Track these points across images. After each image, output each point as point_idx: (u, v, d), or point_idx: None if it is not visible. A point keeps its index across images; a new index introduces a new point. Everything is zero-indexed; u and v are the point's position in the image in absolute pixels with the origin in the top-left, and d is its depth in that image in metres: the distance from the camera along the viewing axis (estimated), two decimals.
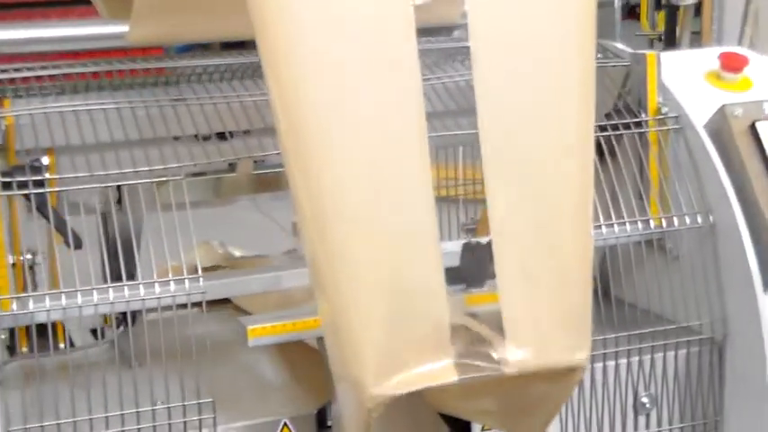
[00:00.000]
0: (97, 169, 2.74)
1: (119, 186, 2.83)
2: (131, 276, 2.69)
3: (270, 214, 4.17)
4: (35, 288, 2.73)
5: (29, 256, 2.72)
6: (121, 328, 2.90)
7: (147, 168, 2.70)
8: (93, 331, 3.23)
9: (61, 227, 2.72)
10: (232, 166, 3.11)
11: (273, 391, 2.88)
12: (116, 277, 2.72)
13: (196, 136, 2.94)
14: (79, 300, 2.62)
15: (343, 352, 2.24)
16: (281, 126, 2.21)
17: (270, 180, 3.28)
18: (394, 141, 2.18)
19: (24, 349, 2.83)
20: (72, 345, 3.04)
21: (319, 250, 2.21)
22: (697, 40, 7.31)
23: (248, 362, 2.87)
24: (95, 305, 2.63)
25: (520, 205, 2.27)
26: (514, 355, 2.24)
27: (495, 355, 2.24)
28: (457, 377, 2.21)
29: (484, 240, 2.55)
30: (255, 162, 3.17)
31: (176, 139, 2.93)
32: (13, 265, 2.68)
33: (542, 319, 2.27)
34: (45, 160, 2.68)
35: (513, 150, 2.27)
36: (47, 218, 2.65)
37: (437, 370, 2.23)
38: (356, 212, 2.18)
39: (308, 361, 2.77)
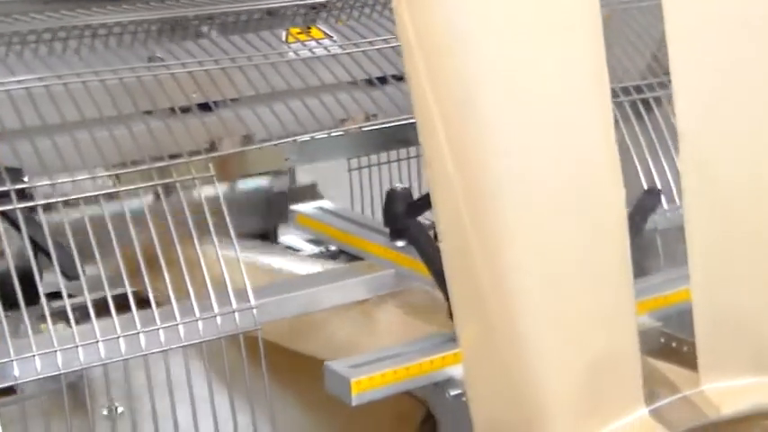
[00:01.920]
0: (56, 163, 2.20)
1: None
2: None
3: None
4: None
5: None
6: None
7: None
8: None
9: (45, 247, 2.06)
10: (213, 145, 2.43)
11: None
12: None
13: (172, 108, 2.42)
14: (102, 352, 1.98)
15: (521, 417, 1.88)
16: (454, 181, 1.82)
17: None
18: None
19: None
20: None
21: (501, 303, 1.86)
22: None
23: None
24: (124, 358, 2.00)
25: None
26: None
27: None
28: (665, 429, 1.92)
29: None
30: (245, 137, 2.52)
31: (148, 113, 2.39)
32: None
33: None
34: None
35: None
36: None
37: (635, 426, 1.91)
38: (551, 280, 1.86)
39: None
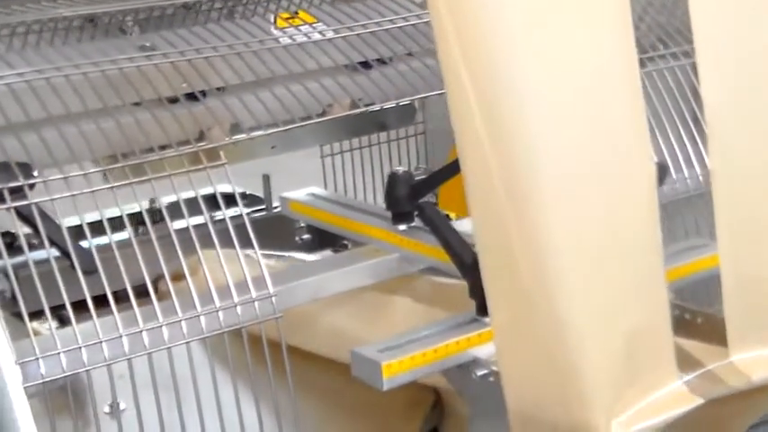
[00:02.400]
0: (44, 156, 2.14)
1: None
2: None
3: None
4: None
5: None
6: None
7: None
8: None
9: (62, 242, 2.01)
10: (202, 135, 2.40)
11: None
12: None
13: (160, 99, 2.36)
14: (126, 347, 1.93)
15: (560, 394, 1.88)
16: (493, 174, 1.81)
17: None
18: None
19: None
20: None
21: (536, 278, 1.85)
22: None
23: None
24: (148, 352, 1.95)
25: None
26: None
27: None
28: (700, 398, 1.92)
29: None
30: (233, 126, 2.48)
31: (137, 104, 2.35)
32: None
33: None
34: None
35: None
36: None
37: (671, 396, 1.92)
38: (586, 254, 1.86)
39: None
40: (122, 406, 2.09)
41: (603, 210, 1.84)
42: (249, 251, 2.18)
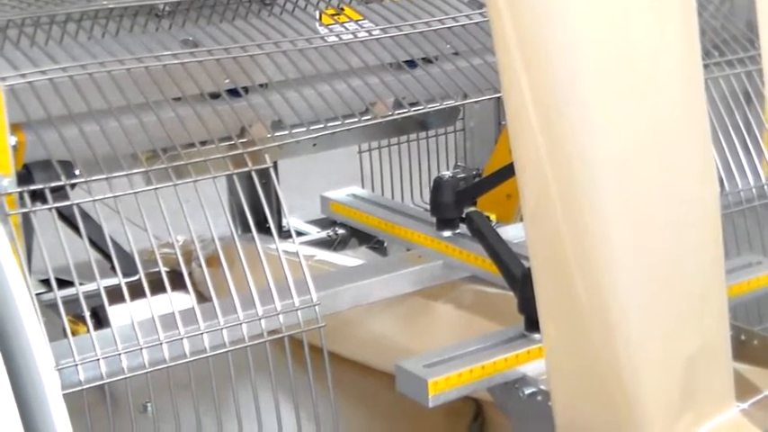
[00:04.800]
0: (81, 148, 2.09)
1: None
2: None
3: None
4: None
5: None
6: None
7: None
8: None
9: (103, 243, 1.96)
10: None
11: None
12: None
13: (202, 95, 2.32)
14: (166, 353, 1.88)
15: (614, 418, 1.82)
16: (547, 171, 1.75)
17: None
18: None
19: None
20: None
21: (598, 305, 1.79)
22: None
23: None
24: (188, 360, 1.90)
25: None
26: None
27: None
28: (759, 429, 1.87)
29: None
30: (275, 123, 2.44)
31: (178, 99, 2.31)
32: None
33: None
34: None
35: None
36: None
37: (727, 425, 1.87)
38: (646, 272, 1.80)
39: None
40: (156, 406, 2.06)
41: (665, 228, 1.78)
42: (287, 244, 2.14)
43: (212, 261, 2.07)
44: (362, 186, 3.18)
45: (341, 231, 3.10)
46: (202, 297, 2.07)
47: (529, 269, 1.92)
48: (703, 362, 1.81)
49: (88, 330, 1.93)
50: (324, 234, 3.17)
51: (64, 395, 1.84)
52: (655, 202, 1.76)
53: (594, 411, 1.82)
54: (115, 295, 1.97)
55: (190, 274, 2.08)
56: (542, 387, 1.95)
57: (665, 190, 1.76)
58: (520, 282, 2.03)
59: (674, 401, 1.79)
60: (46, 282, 2.06)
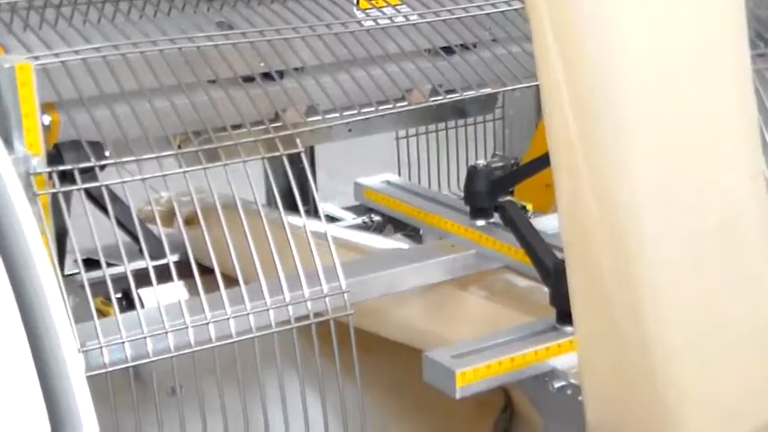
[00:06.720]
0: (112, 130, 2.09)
1: None
2: None
3: None
4: None
5: None
6: None
7: None
8: None
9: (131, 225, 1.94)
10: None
11: None
12: None
13: (235, 78, 2.31)
14: (192, 338, 1.85)
15: (646, 416, 1.79)
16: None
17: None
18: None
19: None
20: None
21: (632, 302, 1.76)
22: None
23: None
24: (213, 345, 1.87)
25: None
26: None
27: None
28: None
29: None
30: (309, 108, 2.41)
31: (212, 82, 2.29)
32: None
33: None
34: None
35: None
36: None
37: None
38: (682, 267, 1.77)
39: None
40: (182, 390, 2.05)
41: (705, 225, 1.74)
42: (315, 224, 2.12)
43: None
44: (399, 173, 3.16)
45: (376, 218, 3.08)
46: (228, 278, 2.06)
47: (562, 261, 1.90)
48: (746, 363, 1.78)
49: (115, 313, 1.93)
50: (359, 220, 3.15)
51: (88, 377, 1.84)
52: (695, 196, 1.73)
53: (627, 409, 1.80)
54: (142, 278, 1.97)
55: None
56: (572, 381, 1.92)
57: (706, 185, 1.73)
58: (552, 274, 2.00)
59: (710, 405, 1.76)
60: (85, 261, 2.05)
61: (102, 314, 1.96)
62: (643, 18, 1.68)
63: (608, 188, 1.70)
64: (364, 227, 3.12)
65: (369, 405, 2.05)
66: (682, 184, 1.71)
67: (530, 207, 2.67)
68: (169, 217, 2.34)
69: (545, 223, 2.39)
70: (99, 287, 1.95)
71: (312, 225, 2.07)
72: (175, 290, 1.96)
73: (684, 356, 1.73)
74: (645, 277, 1.71)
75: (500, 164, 2.91)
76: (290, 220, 2.06)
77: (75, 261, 2.31)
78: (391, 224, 3.02)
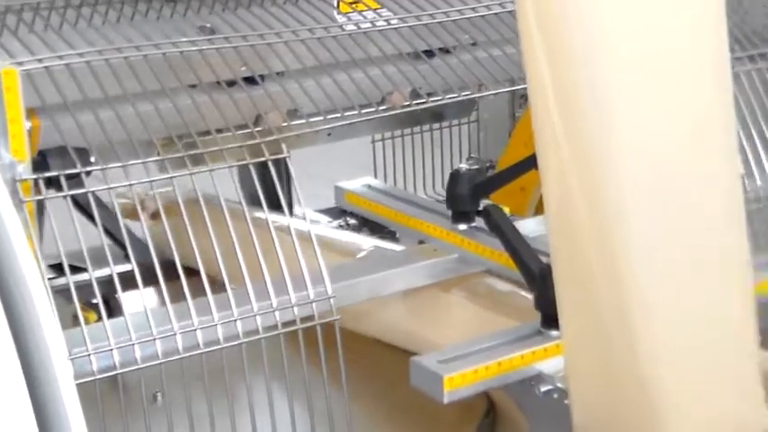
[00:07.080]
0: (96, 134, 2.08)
1: None
2: None
3: None
4: None
5: None
6: None
7: None
8: None
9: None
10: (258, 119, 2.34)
11: None
12: None
13: (218, 82, 2.30)
14: (180, 344, 1.87)
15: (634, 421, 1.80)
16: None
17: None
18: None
19: None
20: None
21: (619, 306, 1.77)
22: None
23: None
24: (202, 352, 1.88)
25: None
26: None
27: None
28: None
29: None
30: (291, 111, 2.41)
31: (193, 87, 2.29)
32: None
33: None
34: None
35: None
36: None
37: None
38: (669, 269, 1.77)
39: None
40: (168, 397, 2.04)
41: (691, 226, 1.75)
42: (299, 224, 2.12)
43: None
44: (375, 175, 3.17)
45: (352, 221, 3.09)
46: (214, 281, 2.06)
47: (547, 266, 1.91)
48: (728, 363, 1.79)
49: (99, 318, 1.92)
50: (335, 224, 3.15)
51: (75, 385, 1.84)
52: (680, 198, 1.74)
53: (614, 412, 1.81)
54: (124, 282, 1.97)
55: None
56: (559, 385, 1.93)
57: (690, 186, 1.74)
58: (538, 278, 2.01)
59: (696, 409, 1.78)
60: (54, 267, 2.04)
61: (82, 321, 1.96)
62: (629, 17, 1.70)
63: (595, 187, 1.71)
64: (340, 230, 3.13)
65: (355, 410, 2.05)
66: (669, 183, 1.72)
67: (507, 210, 2.69)
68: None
69: (526, 227, 2.40)
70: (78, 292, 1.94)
71: (296, 226, 2.07)
72: (156, 294, 1.97)
73: (671, 360, 1.75)
74: (632, 279, 1.72)
75: (476, 167, 2.93)
76: (273, 219, 2.07)
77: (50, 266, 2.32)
78: (367, 227, 3.03)
